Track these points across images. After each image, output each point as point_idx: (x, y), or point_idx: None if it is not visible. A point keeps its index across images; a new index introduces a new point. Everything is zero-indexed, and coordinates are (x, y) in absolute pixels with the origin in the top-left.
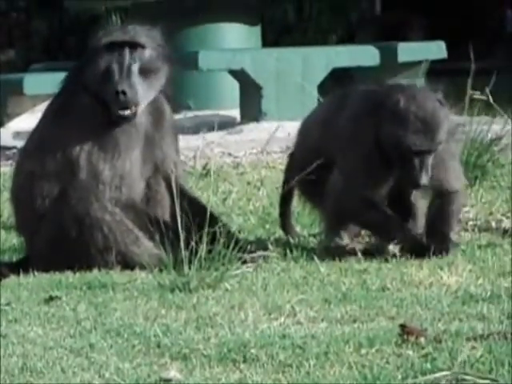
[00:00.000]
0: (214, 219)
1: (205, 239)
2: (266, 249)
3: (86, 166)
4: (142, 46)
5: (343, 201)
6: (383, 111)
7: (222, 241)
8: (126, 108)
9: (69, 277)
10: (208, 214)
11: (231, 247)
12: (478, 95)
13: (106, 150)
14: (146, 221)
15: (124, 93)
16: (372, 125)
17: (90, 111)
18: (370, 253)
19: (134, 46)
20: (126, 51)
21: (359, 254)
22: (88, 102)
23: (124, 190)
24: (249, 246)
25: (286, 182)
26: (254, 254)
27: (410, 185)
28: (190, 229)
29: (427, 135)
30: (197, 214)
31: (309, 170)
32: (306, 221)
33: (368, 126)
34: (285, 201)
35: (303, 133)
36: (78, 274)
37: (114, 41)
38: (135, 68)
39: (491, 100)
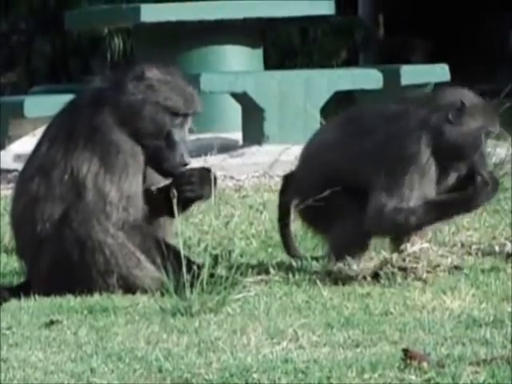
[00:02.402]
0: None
1: (206, 261)
2: (268, 273)
3: (92, 188)
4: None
5: (395, 216)
6: (438, 118)
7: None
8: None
9: (70, 301)
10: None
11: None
12: None
13: (113, 172)
14: (151, 243)
15: (187, 165)
16: (427, 137)
17: (105, 137)
18: (374, 277)
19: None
20: (190, 121)
21: (367, 278)
22: (108, 130)
23: (131, 211)
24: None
25: (281, 205)
26: (255, 278)
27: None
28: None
29: (495, 118)
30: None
31: (316, 197)
32: (309, 244)
33: (423, 140)
34: (283, 224)
35: (308, 157)
36: (79, 298)
37: (190, 112)
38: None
39: None
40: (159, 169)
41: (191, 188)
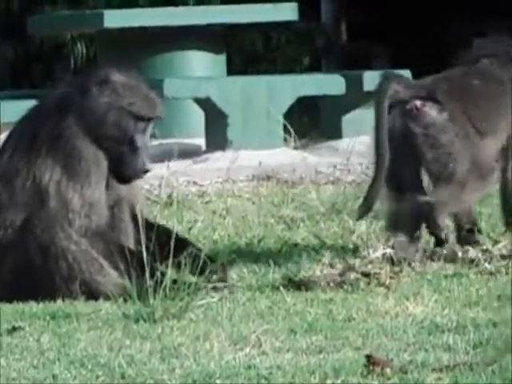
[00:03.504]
0: (181, 241)
1: (170, 267)
2: (231, 278)
3: (55, 195)
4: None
5: None
6: None
7: (188, 265)
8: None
9: (32, 307)
10: (174, 236)
11: (199, 271)
12: None
13: (76, 180)
14: (114, 249)
15: (148, 171)
16: None
17: (68, 144)
18: (337, 283)
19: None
20: (151, 126)
21: (330, 283)
22: (71, 137)
23: (94, 217)
24: (218, 269)
25: None
26: (218, 284)
27: None
28: (155, 257)
29: None
30: (163, 238)
31: None
32: (272, 247)
33: None
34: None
35: None
36: (41, 304)
37: (153, 116)
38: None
39: None
40: (120, 175)
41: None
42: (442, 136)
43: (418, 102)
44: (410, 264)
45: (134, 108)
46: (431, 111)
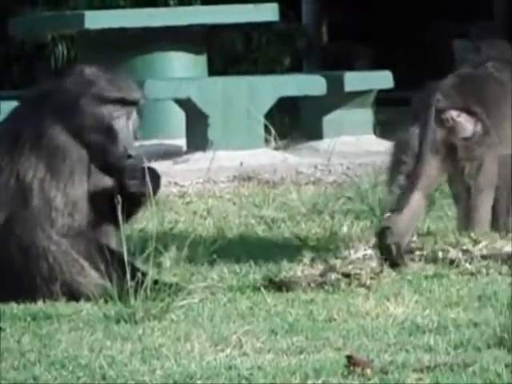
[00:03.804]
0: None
1: (151, 269)
2: (212, 279)
3: (38, 193)
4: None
5: None
6: None
7: None
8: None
9: (13, 308)
10: None
11: None
12: None
13: (59, 178)
14: (95, 250)
15: (131, 157)
16: None
17: (51, 143)
18: (318, 283)
19: (137, 104)
20: (134, 111)
21: (311, 284)
22: (54, 135)
23: (77, 216)
24: None
25: None
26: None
27: None
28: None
29: None
30: None
31: None
32: (258, 252)
33: None
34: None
35: None
36: (22, 305)
37: (129, 99)
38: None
39: None
40: (104, 165)
41: (135, 183)
42: (478, 149)
43: (454, 113)
44: (398, 253)
45: (104, 92)
46: (466, 123)
